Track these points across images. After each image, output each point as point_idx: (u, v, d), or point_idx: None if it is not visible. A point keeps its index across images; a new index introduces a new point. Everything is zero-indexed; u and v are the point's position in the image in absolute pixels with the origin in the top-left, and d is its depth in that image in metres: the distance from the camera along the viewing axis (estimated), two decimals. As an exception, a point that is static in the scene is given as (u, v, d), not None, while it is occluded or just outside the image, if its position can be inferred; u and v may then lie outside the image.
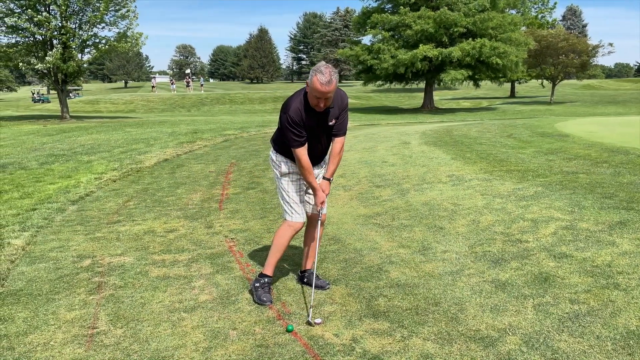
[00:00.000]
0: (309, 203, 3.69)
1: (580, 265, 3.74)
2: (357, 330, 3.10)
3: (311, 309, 3.35)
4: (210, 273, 4.12)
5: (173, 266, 4.29)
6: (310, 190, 3.65)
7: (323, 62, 3.26)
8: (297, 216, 3.59)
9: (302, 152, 3.35)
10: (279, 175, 3.61)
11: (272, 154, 3.63)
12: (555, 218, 4.70)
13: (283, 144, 3.47)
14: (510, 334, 2.96)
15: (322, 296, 3.61)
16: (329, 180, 3.58)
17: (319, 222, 3.67)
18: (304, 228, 3.77)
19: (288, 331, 3.11)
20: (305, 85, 3.30)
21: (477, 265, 3.95)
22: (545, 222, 4.62)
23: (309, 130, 3.34)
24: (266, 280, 3.60)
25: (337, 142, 3.52)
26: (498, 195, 5.63)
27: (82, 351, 2.93)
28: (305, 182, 3.55)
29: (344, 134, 3.53)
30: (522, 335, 2.92)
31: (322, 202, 3.52)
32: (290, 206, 3.59)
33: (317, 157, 3.57)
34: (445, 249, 4.37)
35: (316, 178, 3.57)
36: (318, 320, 3.23)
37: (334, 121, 3.43)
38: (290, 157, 3.49)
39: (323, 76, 3.10)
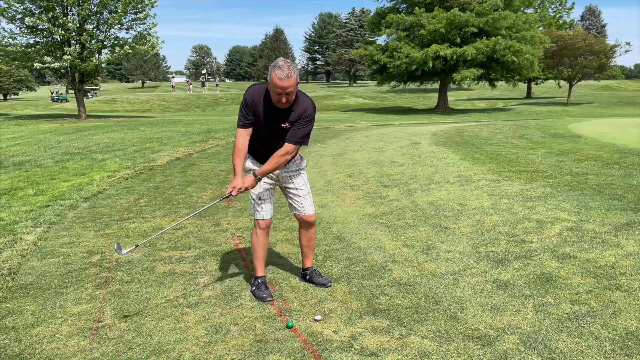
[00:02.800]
0: (294, 205, 3.69)
1: (583, 266, 3.73)
2: (357, 328, 3.13)
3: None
4: (216, 270, 4.18)
5: (179, 262, 4.37)
6: (295, 192, 3.65)
7: (282, 58, 3.25)
8: (258, 214, 3.63)
9: (241, 134, 3.39)
10: (244, 172, 3.59)
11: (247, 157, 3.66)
12: (561, 219, 4.68)
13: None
14: (508, 333, 2.96)
15: (324, 294, 3.64)
16: (255, 176, 3.38)
17: (308, 223, 3.72)
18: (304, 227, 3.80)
19: (288, 327, 3.16)
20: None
21: (479, 265, 3.96)
22: (551, 223, 4.61)
23: (259, 118, 3.36)
24: (259, 280, 3.69)
25: (284, 146, 3.37)
26: (505, 196, 5.61)
27: (87, 344, 3.01)
28: (266, 181, 3.57)
29: (296, 143, 3.37)
30: (521, 335, 2.93)
31: (233, 189, 3.29)
32: (252, 205, 3.65)
33: (261, 153, 3.49)
34: (449, 248, 4.37)
35: (295, 176, 3.62)
36: (318, 317, 3.27)
37: (287, 124, 3.35)
38: (253, 153, 3.53)
39: (281, 71, 3.10)
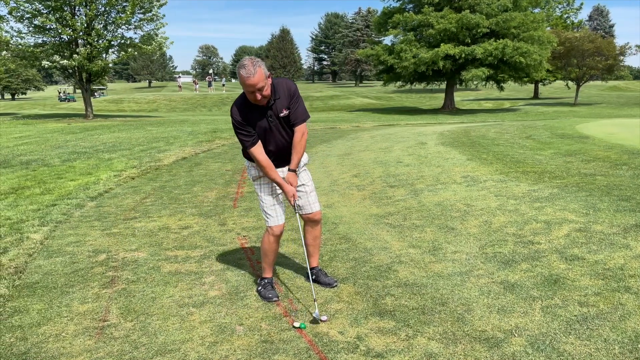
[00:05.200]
0: (300, 203, 3.66)
1: (591, 267, 3.69)
2: (362, 329, 3.12)
3: (315, 302, 3.39)
4: (221, 269, 4.17)
5: (185, 262, 4.36)
6: (302, 188, 3.63)
7: (246, 57, 3.21)
8: (272, 220, 3.57)
9: (258, 151, 3.33)
10: (252, 180, 3.64)
11: (246, 161, 3.64)
12: (569, 220, 4.64)
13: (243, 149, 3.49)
14: (516, 335, 2.93)
15: (330, 294, 3.63)
16: (294, 171, 3.48)
17: (315, 221, 3.71)
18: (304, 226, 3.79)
19: (301, 328, 3.14)
20: None
21: (486, 266, 3.93)
22: (559, 224, 4.57)
23: (258, 127, 3.32)
24: (266, 281, 3.68)
25: (297, 132, 3.43)
26: (512, 197, 5.58)
27: (92, 343, 3.01)
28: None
29: (303, 121, 3.43)
30: (528, 337, 2.90)
31: (293, 196, 3.42)
32: (265, 211, 3.58)
33: (282, 153, 3.50)
34: (456, 249, 4.35)
35: (302, 172, 3.64)
36: (324, 318, 3.26)
37: (285, 111, 3.35)
38: (271, 158, 3.45)
39: (245, 69, 3.09)
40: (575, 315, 3.09)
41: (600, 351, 2.72)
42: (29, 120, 23.31)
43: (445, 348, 2.86)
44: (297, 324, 3.19)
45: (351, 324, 3.18)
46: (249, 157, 3.53)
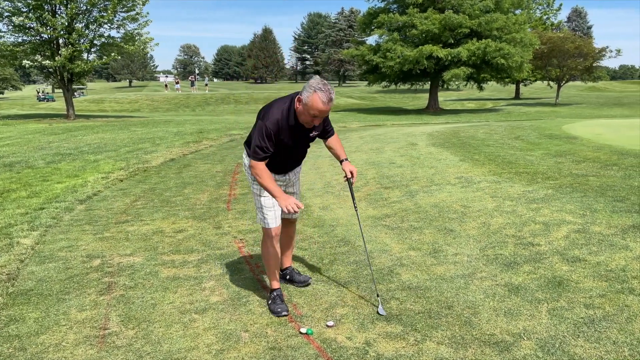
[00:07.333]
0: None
1: (594, 269, 3.71)
2: (370, 334, 3.08)
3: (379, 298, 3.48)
4: (221, 274, 4.10)
5: (183, 267, 4.28)
6: (294, 191, 3.64)
7: (318, 78, 3.08)
8: (272, 221, 3.46)
9: (262, 167, 3.19)
10: (251, 181, 3.50)
11: (245, 159, 3.49)
12: (567, 221, 4.67)
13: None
14: (525, 338, 2.93)
15: (334, 298, 3.59)
16: (347, 159, 3.56)
17: (293, 222, 3.76)
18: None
19: (308, 334, 3.09)
20: (291, 96, 3.18)
21: (489, 269, 3.92)
22: (557, 226, 4.59)
23: (286, 144, 3.22)
24: (275, 293, 3.52)
25: (334, 136, 3.58)
26: (508, 198, 5.60)
27: (95, 352, 2.92)
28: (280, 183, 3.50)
29: (333, 131, 3.57)
30: (538, 340, 2.89)
31: (295, 205, 3.15)
32: (265, 213, 3.45)
33: (294, 164, 3.53)
34: (457, 251, 4.34)
35: (297, 178, 3.65)
36: (330, 323, 3.21)
37: (315, 133, 3.35)
38: (277, 169, 3.40)
39: (324, 94, 2.99)
40: (582, 318, 3.10)
41: (610, 354, 2.72)
42: (9, 121, 22.80)
43: (455, 352, 2.84)
44: (303, 330, 3.14)
45: (358, 329, 3.14)
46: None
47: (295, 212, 3.15)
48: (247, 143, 3.43)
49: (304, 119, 3.13)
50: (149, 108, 42.64)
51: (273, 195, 3.21)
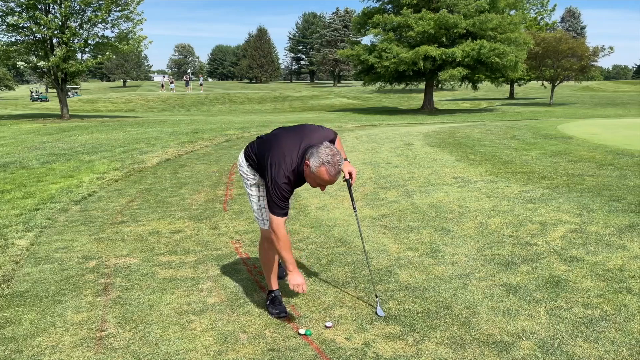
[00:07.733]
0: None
1: (591, 269, 3.72)
2: (369, 334, 3.07)
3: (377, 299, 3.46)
4: (218, 275, 4.08)
5: (180, 268, 4.26)
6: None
7: (327, 147, 3.00)
8: (268, 223, 3.37)
9: (284, 233, 3.10)
10: (249, 185, 3.43)
11: (244, 167, 3.40)
12: (564, 221, 4.67)
13: (261, 167, 3.23)
14: (524, 338, 2.93)
15: (332, 299, 3.58)
16: (346, 160, 3.49)
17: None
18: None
19: (307, 335, 3.08)
20: (300, 150, 3.09)
21: (487, 269, 3.92)
22: (554, 225, 4.60)
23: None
24: (273, 294, 3.49)
25: (337, 143, 3.48)
26: (505, 198, 5.61)
27: (92, 354, 2.90)
28: None
29: (336, 138, 3.43)
30: (536, 340, 2.89)
31: (302, 289, 3.13)
32: (261, 216, 3.42)
33: None
34: (454, 251, 4.34)
35: None
36: (329, 324, 3.20)
37: None
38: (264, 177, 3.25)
39: (332, 167, 2.95)
40: (580, 318, 3.10)
41: (609, 353, 2.72)
42: (2, 121, 22.66)
43: (454, 353, 2.83)
44: (302, 331, 3.13)
45: (357, 330, 3.13)
46: (261, 174, 3.31)
47: (297, 292, 3.15)
48: (249, 156, 3.35)
49: (309, 181, 3.13)
50: (143, 108, 42.49)
51: (286, 266, 3.17)
